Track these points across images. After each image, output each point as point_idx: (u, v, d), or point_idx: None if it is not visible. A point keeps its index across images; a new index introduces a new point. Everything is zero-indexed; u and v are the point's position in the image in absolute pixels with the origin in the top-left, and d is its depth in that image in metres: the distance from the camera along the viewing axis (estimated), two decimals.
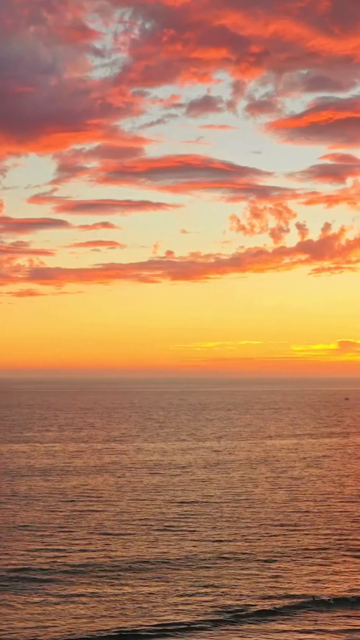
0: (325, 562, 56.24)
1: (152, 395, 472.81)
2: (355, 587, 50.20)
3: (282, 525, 68.87)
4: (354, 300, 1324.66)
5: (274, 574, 53.11)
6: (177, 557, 57.27)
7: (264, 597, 47.74)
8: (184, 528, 67.64)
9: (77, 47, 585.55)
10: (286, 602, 46.89)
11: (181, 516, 72.89)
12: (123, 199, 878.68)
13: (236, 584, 50.70)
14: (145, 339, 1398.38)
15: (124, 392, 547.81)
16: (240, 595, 48.24)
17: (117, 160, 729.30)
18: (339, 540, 63.24)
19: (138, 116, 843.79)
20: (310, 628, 42.68)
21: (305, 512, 75.14)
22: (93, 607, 46.15)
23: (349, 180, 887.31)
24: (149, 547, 60.39)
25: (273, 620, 43.95)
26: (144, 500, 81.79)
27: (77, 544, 61.29)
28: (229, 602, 46.76)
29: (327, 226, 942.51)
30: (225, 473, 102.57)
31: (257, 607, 45.78)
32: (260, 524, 69.14)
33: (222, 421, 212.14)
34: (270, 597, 47.80)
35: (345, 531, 66.59)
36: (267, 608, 45.72)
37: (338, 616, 44.95)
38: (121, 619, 43.92)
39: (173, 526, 68.44)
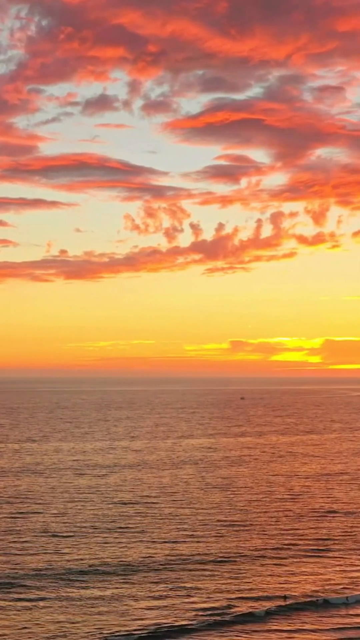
0: (284, 562, 56.26)
1: (50, 394, 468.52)
2: (317, 587, 50.37)
3: (230, 525, 68.75)
4: (245, 301, 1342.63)
5: (238, 574, 52.93)
6: (138, 559, 56.51)
7: (241, 599, 47.50)
8: (133, 529, 66.89)
9: None
10: (264, 603, 46.73)
11: (124, 517, 72.09)
12: (17, 197, 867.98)
13: (205, 585, 50.31)
14: (38, 339, 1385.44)
15: (21, 392, 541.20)
16: (214, 596, 47.89)
17: (11, 158, 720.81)
18: (290, 539, 63.42)
19: (33, 114, 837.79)
20: (297, 628, 42.67)
21: (246, 511, 75.20)
22: (65, 611, 45.09)
23: (243, 181, 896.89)
24: (104, 549, 59.45)
25: (254, 622, 43.72)
26: (81, 501, 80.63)
27: (30, 547, 59.92)
28: (207, 605, 46.32)
29: (220, 226, 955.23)
30: (153, 473, 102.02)
31: (238, 608, 45.53)
32: (206, 524, 68.86)
33: (131, 420, 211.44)
34: (245, 599, 47.57)
35: (291, 530, 66.83)
36: (245, 610, 45.47)
37: (324, 617, 45.10)
38: (101, 623, 43.03)
39: (121, 527, 67.60)
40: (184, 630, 41.98)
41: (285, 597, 47.54)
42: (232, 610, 45.17)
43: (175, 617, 43.96)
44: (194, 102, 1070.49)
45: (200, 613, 44.66)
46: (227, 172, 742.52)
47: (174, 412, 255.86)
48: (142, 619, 43.49)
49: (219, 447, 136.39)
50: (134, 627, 42.27)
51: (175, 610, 45.26)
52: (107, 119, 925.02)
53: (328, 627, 42.63)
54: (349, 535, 64.99)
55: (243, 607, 45.70)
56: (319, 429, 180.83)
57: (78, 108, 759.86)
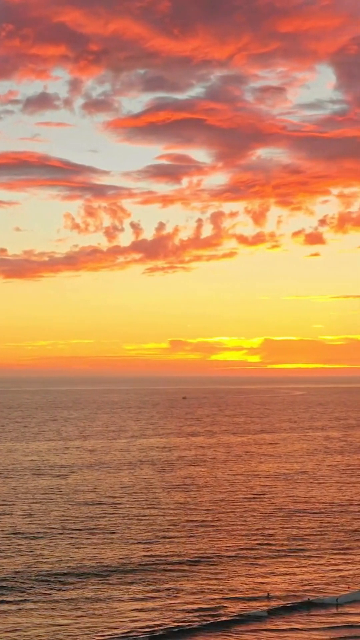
0: (261, 562, 56.45)
1: None
2: (300, 587, 50.63)
3: (200, 525, 68.77)
4: (185, 300, 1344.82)
5: (218, 574, 52.99)
6: (115, 560, 56.29)
7: (227, 599, 47.56)
8: (103, 530, 66.62)
9: None
10: (253, 603, 46.85)
11: (92, 517, 71.75)
12: None
13: (186, 586, 50.29)
14: None
15: None
16: (200, 597, 47.90)
17: None
18: (261, 539, 63.61)
19: None
20: (293, 627, 42.88)
21: (212, 511, 75.27)
22: (51, 614, 44.72)
23: (184, 181, 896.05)
24: (79, 550, 59.12)
25: (250, 622, 43.78)
26: (45, 501, 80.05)
27: (4, 549, 59.31)
28: (195, 606, 46.30)
29: (161, 226, 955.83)
30: (112, 473, 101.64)
31: (230, 609, 45.58)
32: (175, 524, 68.81)
33: (81, 421, 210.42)
34: (232, 599, 47.64)
35: (261, 530, 67.02)
36: (238, 611, 45.54)
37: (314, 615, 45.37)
38: (92, 625, 42.75)
39: (91, 528, 67.28)
40: (182, 631, 41.79)
41: (268, 596, 47.74)
42: (224, 611, 45.16)
43: (167, 618, 43.80)
44: (135, 102, 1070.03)
45: (192, 614, 44.58)
46: (168, 172, 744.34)
47: (122, 412, 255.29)
48: (135, 621, 43.31)
49: (173, 447, 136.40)
50: (128, 629, 42.05)
51: (165, 611, 45.13)
52: (48, 118, 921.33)
53: (324, 627, 42.90)
54: (319, 535, 65.40)
55: (235, 608, 45.74)
56: (270, 428, 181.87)
57: (18, 106, 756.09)
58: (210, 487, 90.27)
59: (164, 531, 66.14)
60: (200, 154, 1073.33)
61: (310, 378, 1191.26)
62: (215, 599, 47.53)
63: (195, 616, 44.22)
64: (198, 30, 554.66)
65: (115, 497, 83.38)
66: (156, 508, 76.91)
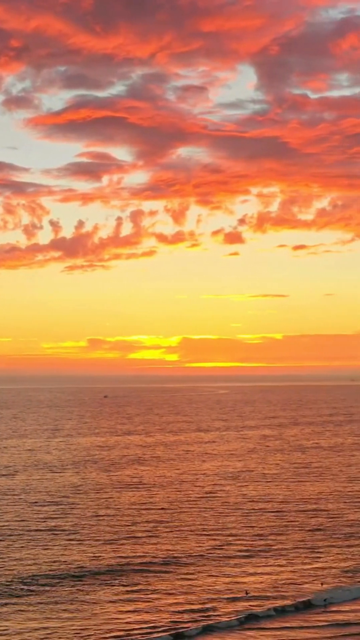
0: (235, 562, 56.31)
1: None
2: (273, 585, 50.66)
3: (161, 525, 68.39)
4: (104, 299, 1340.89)
5: (194, 575, 52.68)
6: (86, 561, 55.57)
7: (213, 599, 47.29)
8: (66, 530, 65.79)
9: None
10: (241, 603, 46.66)
11: (51, 518, 70.84)
12: None
13: (166, 586, 49.89)
14: None
15: None
16: (187, 598, 47.52)
17: None
18: (226, 538, 63.41)
19: None
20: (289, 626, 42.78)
21: (170, 511, 74.91)
22: (35, 618, 43.85)
23: (105, 179, 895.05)
24: (47, 551, 58.25)
25: (238, 622, 43.59)
26: None
27: None
28: (186, 607, 45.91)
29: (80, 224, 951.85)
30: (57, 473, 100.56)
31: (218, 610, 45.26)
32: (135, 524, 68.32)
33: (11, 420, 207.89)
34: (213, 600, 47.39)
35: (223, 529, 66.81)
36: (226, 610, 45.28)
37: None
38: (80, 628, 42.01)
39: (53, 528, 66.41)
40: (181, 635, 41.34)
41: (247, 593, 47.79)
42: (216, 612, 44.87)
43: (159, 620, 43.30)
44: (56, 99, 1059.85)
45: (183, 615, 44.11)
46: (88, 170, 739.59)
47: (51, 411, 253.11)
48: (128, 623, 42.71)
49: (112, 446, 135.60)
50: (125, 631, 41.48)
51: (153, 613, 44.63)
52: None
53: (316, 625, 42.98)
54: (282, 534, 65.36)
55: (227, 608, 45.46)
56: (204, 427, 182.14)
57: None
58: (160, 486, 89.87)
59: (127, 532, 65.51)
60: (121, 152, 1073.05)
61: (228, 376, 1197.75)
62: (201, 599, 47.23)
63: (189, 617, 43.78)
64: (120, 28, 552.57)
65: (67, 496, 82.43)
66: (112, 508, 76.25)
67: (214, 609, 45.43)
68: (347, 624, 43.44)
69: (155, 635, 40.68)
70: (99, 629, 41.88)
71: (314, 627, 42.86)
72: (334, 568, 54.97)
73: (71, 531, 65.56)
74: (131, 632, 41.30)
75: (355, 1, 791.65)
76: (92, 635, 41.06)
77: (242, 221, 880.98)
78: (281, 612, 44.70)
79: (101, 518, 71.06)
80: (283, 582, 51.24)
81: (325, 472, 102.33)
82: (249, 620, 43.20)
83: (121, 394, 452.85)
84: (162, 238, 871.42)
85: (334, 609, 46.31)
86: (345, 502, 79.82)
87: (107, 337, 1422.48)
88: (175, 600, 46.92)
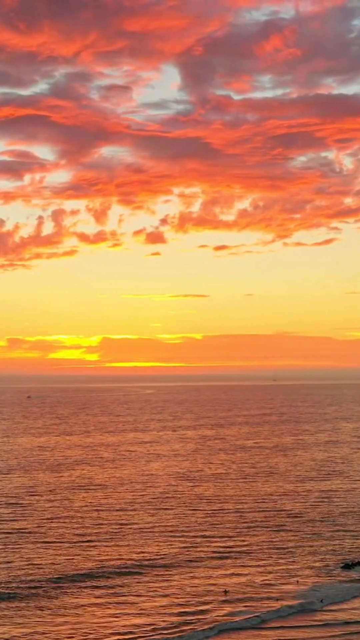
0: (210, 564, 56.32)
1: None
2: (249, 584, 50.88)
3: (128, 527, 68.07)
4: (25, 298, 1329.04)
5: (176, 578, 52.55)
6: (63, 565, 54.99)
7: (202, 602, 47.23)
8: (33, 533, 65.07)
9: None
10: (236, 604, 46.65)
11: (11, 520, 69.90)
12: None
13: (150, 589, 49.69)
14: None
15: None
16: (176, 600, 47.38)
17: None
18: (198, 540, 63.42)
19: None
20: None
21: (130, 511, 74.64)
22: (21, 624, 43.25)
23: (27, 177, 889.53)
24: (15, 555, 57.42)
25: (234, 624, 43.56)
26: None
27: None
28: (178, 610, 45.73)
29: (1, 223, 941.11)
30: (4, 474, 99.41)
31: (214, 611, 45.20)
32: (101, 526, 67.95)
33: None
34: (198, 602, 47.33)
35: (193, 530, 66.80)
36: (222, 612, 45.20)
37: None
38: (73, 631, 41.54)
39: (19, 529, 65.58)
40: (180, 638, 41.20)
41: (226, 592, 48.07)
42: (211, 614, 44.73)
43: (154, 625, 42.99)
44: None
45: (176, 618, 43.87)
46: (10, 168, 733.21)
47: None
48: (125, 626, 42.37)
49: (54, 447, 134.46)
50: (123, 632, 41.18)
51: (144, 616, 44.34)
52: None
53: (314, 624, 43.24)
54: (247, 534, 65.55)
55: (221, 610, 45.40)
56: (141, 427, 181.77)
57: None
58: (112, 487, 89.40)
59: (94, 533, 65.07)
60: (43, 151, 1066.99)
61: (149, 376, 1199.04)
62: (192, 601, 47.13)
63: (183, 620, 43.57)
64: (44, 26, 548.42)
65: (23, 498, 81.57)
66: (71, 509, 75.65)
67: (209, 610, 45.38)
68: (347, 622, 43.81)
69: (162, 636, 40.44)
70: (91, 633, 41.46)
71: (311, 626, 43.12)
72: (309, 568, 55.44)
73: (37, 533, 64.83)
74: (132, 635, 41.02)
75: (279, 3, 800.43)
76: (87, 637, 40.68)
77: (163, 221, 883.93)
78: (280, 612, 44.80)
79: (63, 520, 70.40)
80: (260, 582, 51.43)
81: (274, 472, 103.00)
82: (254, 620, 43.22)
83: (44, 394, 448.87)
84: (83, 237, 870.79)
85: (333, 607, 46.63)
86: (301, 502, 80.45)
87: (27, 336, 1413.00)
88: (165, 602, 46.73)
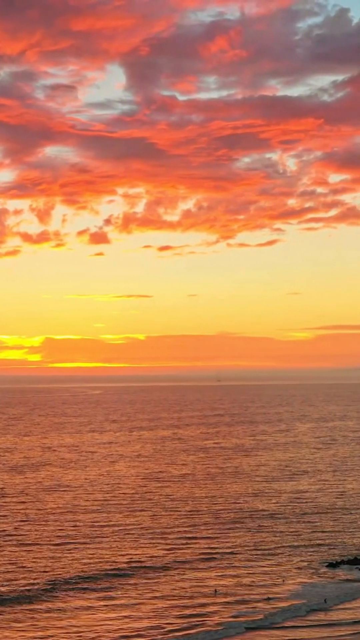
0: (199, 566, 56.23)
1: None
2: (240, 584, 50.98)
3: (110, 530, 67.72)
4: None
5: (166, 581, 52.41)
6: (58, 568, 54.49)
7: (201, 604, 47.14)
8: (15, 534, 64.34)
9: None
10: (246, 605, 46.66)
11: None
12: None
13: (144, 593, 49.50)
14: None
15: None
16: (176, 603, 47.25)
17: None
18: (182, 542, 63.25)
19: None
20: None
21: (106, 512, 74.22)
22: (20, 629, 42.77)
23: None
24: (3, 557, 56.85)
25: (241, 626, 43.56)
26: None
27: None
28: (186, 612, 45.60)
29: None
30: None
31: (221, 613, 45.13)
32: (77, 527, 67.45)
33: None
34: (215, 603, 47.28)
35: (169, 533, 66.54)
36: (227, 614, 45.16)
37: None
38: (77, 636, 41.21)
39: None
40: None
41: (216, 592, 48.26)
42: (217, 617, 44.58)
43: (160, 627, 42.78)
44: None
45: (181, 620, 43.64)
46: None
47: None
48: (136, 629, 42.12)
49: (12, 448, 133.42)
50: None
51: (150, 618, 44.06)
52: None
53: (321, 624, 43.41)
54: (228, 535, 65.49)
55: (227, 612, 45.28)
56: (98, 428, 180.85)
57: None
58: (82, 489, 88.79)
59: (74, 536, 64.50)
60: None
61: (92, 377, 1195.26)
62: (194, 603, 47.03)
63: (190, 623, 43.37)
64: None
65: None
66: (43, 511, 75.02)
67: (216, 612, 45.21)
68: (356, 622, 44.04)
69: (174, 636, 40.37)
70: (101, 637, 41.19)
71: (321, 625, 43.27)
72: (295, 567, 55.68)
73: (18, 534, 64.24)
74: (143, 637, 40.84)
75: (225, 5, 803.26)
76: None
77: (107, 221, 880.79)
78: (286, 612, 44.91)
79: (39, 522, 69.75)
80: (251, 582, 51.47)
81: (239, 472, 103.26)
82: (263, 620, 43.30)
83: None
84: (26, 237, 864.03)
85: (340, 607, 46.86)
86: (274, 502, 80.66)
87: None
88: (164, 605, 46.39)
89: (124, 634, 41.37)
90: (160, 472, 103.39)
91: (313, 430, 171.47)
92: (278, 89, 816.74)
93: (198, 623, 43.13)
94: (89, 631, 41.84)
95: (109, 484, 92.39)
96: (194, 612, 45.01)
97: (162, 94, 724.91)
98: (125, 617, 44.13)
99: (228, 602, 46.92)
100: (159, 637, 40.81)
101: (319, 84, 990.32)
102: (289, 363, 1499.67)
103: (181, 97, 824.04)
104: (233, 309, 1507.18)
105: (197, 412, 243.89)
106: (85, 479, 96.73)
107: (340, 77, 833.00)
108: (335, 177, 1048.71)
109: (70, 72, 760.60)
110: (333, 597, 47.92)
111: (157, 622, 43.22)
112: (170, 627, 42.19)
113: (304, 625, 43.38)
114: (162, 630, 41.79)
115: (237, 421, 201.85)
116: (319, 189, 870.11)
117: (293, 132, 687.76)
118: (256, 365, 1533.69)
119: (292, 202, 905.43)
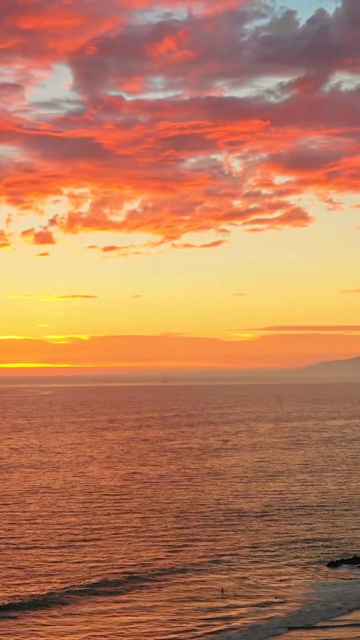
0: (197, 569, 56.05)
1: None
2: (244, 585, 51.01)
3: (107, 532, 67.25)
4: None
5: (178, 584, 52.11)
6: (63, 572, 53.91)
7: (214, 608, 46.93)
8: (7, 536, 63.58)
9: None
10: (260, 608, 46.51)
11: None
12: None
13: (154, 597, 49.21)
14: None
15: None
16: (186, 607, 46.99)
17: None
18: (180, 545, 62.93)
19: None
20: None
21: (92, 514, 73.65)
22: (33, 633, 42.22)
23: None
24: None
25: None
26: None
27: None
28: (206, 616, 45.35)
29: None
30: None
31: (244, 617, 44.93)
32: (72, 528, 66.89)
33: None
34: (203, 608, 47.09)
35: (162, 535, 66.30)
36: (250, 618, 45.00)
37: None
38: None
39: None
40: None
41: (222, 591, 48.32)
42: (240, 621, 44.34)
43: (183, 629, 42.48)
44: None
45: (197, 624, 43.37)
46: None
47: None
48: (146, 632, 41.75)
49: None
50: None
51: (166, 622, 43.76)
52: None
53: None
54: (223, 537, 65.33)
55: (249, 617, 45.02)
56: (59, 429, 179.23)
57: None
58: (63, 490, 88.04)
59: (70, 540, 63.82)
60: None
61: (36, 377, 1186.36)
62: (212, 606, 46.78)
63: (214, 625, 43.16)
64: None
65: None
66: (29, 512, 74.22)
67: (236, 617, 45.01)
68: None
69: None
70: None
71: (348, 626, 43.35)
72: (298, 567, 55.81)
73: (12, 537, 63.51)
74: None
75: (173, 5, 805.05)
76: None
77: (52, 221, 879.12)
78: (320, 613, 44.92)
79: (31, 525, 68.99)
80: (253, 582, 51.58)
81: (215, 472, 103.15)
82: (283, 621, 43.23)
83: None
84: None
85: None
86: (259, 503, 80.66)
87: None
88: (182, 608, 46.04)
89: (158, 638, 41.03)
90: (135, 473, 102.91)
91: (274, 431, 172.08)
92: (225, 90, 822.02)
93: (223, 625, 42.92)
94: (113, 634, 41.37)
95: (88, 485, 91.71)
96: (217, 616, 44.68)
97: (109, 94, 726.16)
98: (151, 620, 43.65)
99: (243, 604, 46.77)
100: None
101: (266, 85, 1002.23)
102: (233, 363, 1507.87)
103: (128, 98, 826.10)
104: (178, 309, 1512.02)
105: (154, 413, 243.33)
106: (63, 480, 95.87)
107: (286, 79, 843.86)
108: (280, 179, 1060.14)
109: (17, 71, 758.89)
110: (350, 598, 48.04)
111: (185, 625, 42.87)
112: (202, 631, 41.84)
113: (342, 624, 43.44)
114: (194, 633, 41.49)
115: (196, 422, 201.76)
116: (264, 191, 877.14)
117: (239, 133, 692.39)
118: (201, 366, 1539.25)
119: (237, 203, 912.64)
